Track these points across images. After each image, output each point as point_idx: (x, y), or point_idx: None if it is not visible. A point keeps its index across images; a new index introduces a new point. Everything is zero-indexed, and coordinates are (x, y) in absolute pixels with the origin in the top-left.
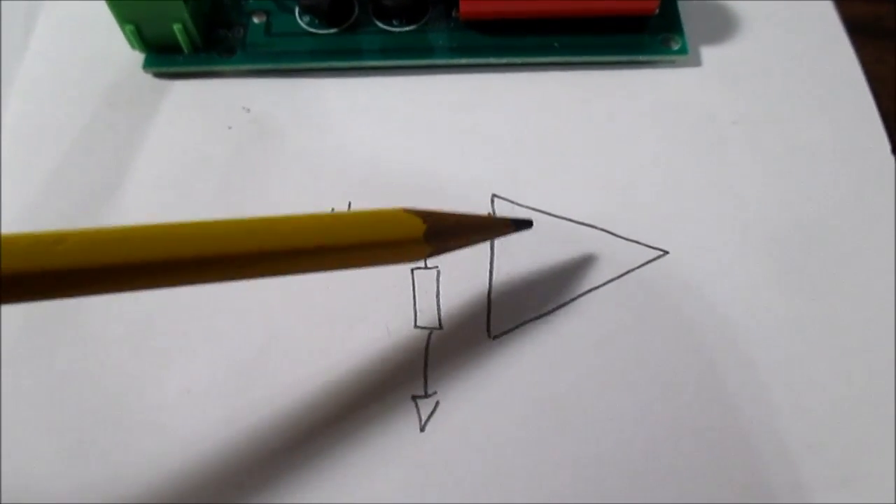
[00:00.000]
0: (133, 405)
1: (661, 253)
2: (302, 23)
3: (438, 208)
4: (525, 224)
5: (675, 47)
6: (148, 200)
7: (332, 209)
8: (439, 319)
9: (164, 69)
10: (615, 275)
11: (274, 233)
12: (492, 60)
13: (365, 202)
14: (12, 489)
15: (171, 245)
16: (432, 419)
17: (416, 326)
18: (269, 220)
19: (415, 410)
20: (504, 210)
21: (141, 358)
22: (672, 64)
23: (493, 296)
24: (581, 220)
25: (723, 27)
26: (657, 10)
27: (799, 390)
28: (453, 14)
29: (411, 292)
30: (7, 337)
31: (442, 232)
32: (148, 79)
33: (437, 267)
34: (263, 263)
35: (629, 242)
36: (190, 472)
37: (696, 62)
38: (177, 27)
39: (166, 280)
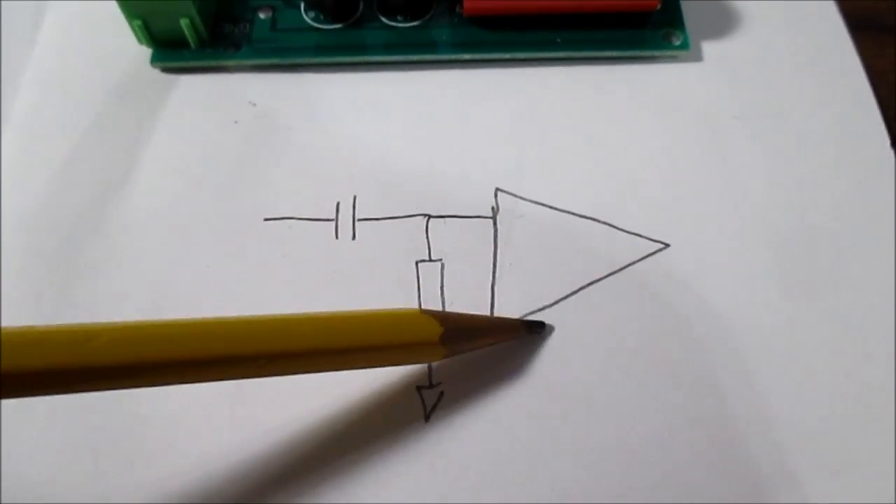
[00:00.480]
0: (144, 404)
1: (663, 246)
2: (307, 18)
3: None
4: (538, 327)
5: (677, 42)
6: (155, 194)
7: (338, 203)
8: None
9: (171, 64)
10: (617, 267)
11: (294, 333)
12: (495, 56)
13: (369, 196)
14: (20, 489)
15: (192, 344)
16: (437, 410)
17: None
18: (288, 320)
19: (420, 401)
20: (508, 204)
21: None
22: (674, 59)
23: (496, 288)
24: (583, 214)
25: (724, 23)
26: (659, 6)
27: (798, 384)
28: (457, 10)
29: (416, 284)
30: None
31: (457, 336)
32: (155, 73)
33: (441, 260)
34: (282, 363)
35: (631, 235)
36: (198, 464)
37: (698, 57)
38: (184, 22)
39: (183, 377)
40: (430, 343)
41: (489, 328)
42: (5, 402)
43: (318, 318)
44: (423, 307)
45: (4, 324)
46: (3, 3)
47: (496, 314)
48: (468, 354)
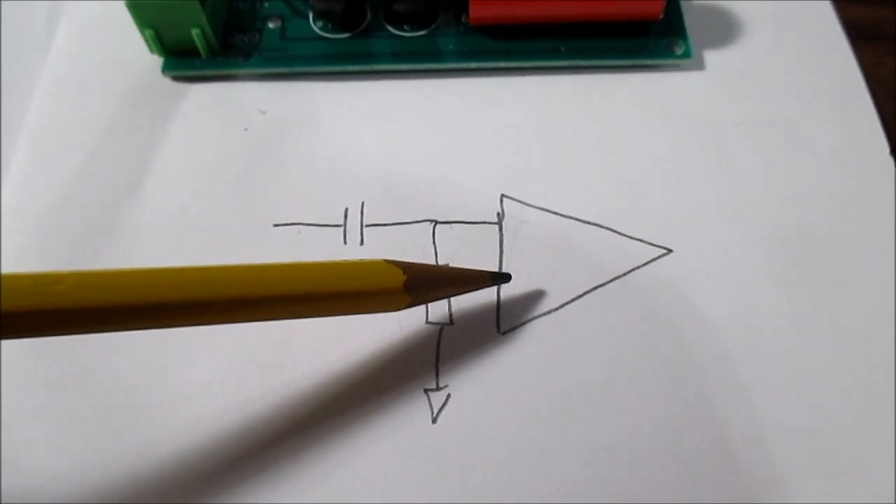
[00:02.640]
0: (154, 397)
1: (665, 251)
2: (316, 28)
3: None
4: (503, 278)
5: (679, 51)
6: (166, 200)
7: (346, 209)
8: (450, 315)
9: (181, 73)
10: (620, 272)
11: (259, 280)
12: (500, 64)
13: (377, 202)
14: (27, 484)
15: (159, 290)
16: (444, 412)
17: (427, 322)
18: (254, 268)
19: (427, 403)
20: (513, 210)
21: (162, 350)
22: (676, 67)
23: (502, 293)
24: (587, 220)
25: (725, 31)
26: (662, 15)
27: (800, 387)
28: (463, 19)
29: None
30: None
31: (421, 283)
32: (166, 82)
33: (448, 264)
34: (247, 309)
35: (634, 241)
36: (209, 463)
37: (700, 66)
38: (195, 32)
39: (153, 322)
40: (395, 290)
41: (453, 278)
42: (27, 395)
43: (283, 265)
44: (429, 304)
45: None
46: (16, 11)
47: (502, 317)
48: (475, 353)
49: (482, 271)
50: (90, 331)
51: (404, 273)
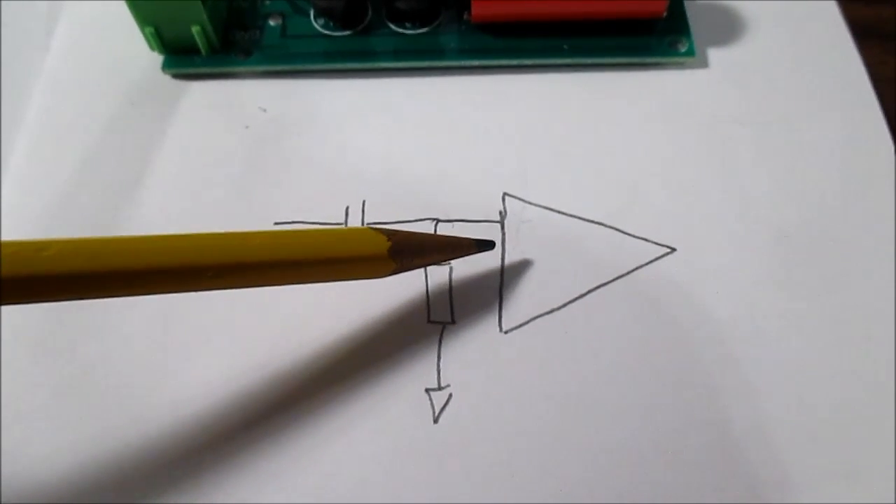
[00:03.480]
0: (154, 397)
1: (669, 250)
2: (317, 25)
3: (405, 229)
4: (487, 245)
5: (683, 49)
6: (167, 197)
7: (347, 207)
8: (452, 314)
9: (182, 70)
10: (624, 271)
11: (245, 246)
12: (502, 62)
13: (378, 200)
14: (26, 483)
15: (144, 256)
16: (445, 411)
17: (429, 321)
18: (241, 235)
19: (428, 403)
20: (516, 208)
21: (162, 350)
22: (680, 66)
23: (504, 291)
24: (590, 218)
25: (729, 30)
26: (665, 13)
27: (803, 385)
28: (465, 17)
29: (425, 288)
30: (28, 330)
31: (405, 250)
32: (167, 80)
33: (449, 263)
34: (234, 275)
35: (637, 240)
36: (208, 463)
37: (704, 64)
38: (195, 29)
39: (137, 288)
40: (379, 255)
41: (438, 244)
42: (27, 394)
43: (268, 233)
44: (431, 303)
45: (25, 316)
46: (17, 9)
47: (504, 316)
48: (477, 352)
49: (467, 238)
50: (76, 297)
51: (388, 239)
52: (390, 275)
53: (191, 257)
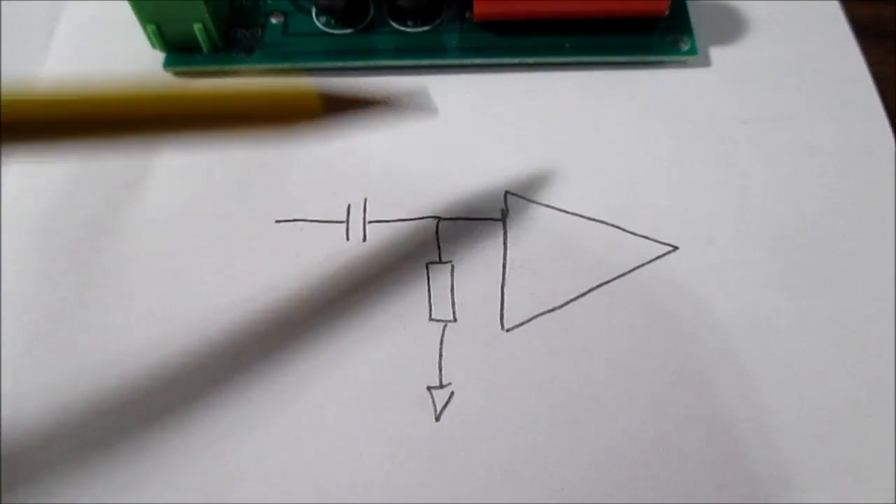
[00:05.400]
0: (154, 396)
1: (671, 249)
2: (318, 23)
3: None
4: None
5: (685, 48)
6: (167, 197)
7: (349, 205)
8: (454, 312)
9: (183, 68)
10: (625, 269)
11: (175, 98)
12: (504, 60)
13: (380, 199)
14: (27, 484)
15: (79, 106)
16: (447, 409)
17: (430, 319)
18: (169, 89)
19: (430, 401)
20: (517, 206)
21: (162, 349)
22: (682, 64)
23: (506, 289)
24: (592, 216)
25: (732, 28)
26: (667, 12)
27: (804, 384)
28: (467, 15)
29: (426, 286)
30: (28, 328)
31: (336, 101)
32: (168, 77)
33: (451, 261)
34: (165, 126)
35: (639, 238)
36: (208, 463)
37: (706, 63)
38: (197, 27)
39: (73, 137)
40: (306, 93)
41: (367, 94)
42: (26, 392)
43: (197, 87)
44: (433, 301)
45: (26, 311)
46: (17, 9)
47: (505, 314)
48: (479, 351)
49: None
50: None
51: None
52: (321, 118)
53: (121, 111)
